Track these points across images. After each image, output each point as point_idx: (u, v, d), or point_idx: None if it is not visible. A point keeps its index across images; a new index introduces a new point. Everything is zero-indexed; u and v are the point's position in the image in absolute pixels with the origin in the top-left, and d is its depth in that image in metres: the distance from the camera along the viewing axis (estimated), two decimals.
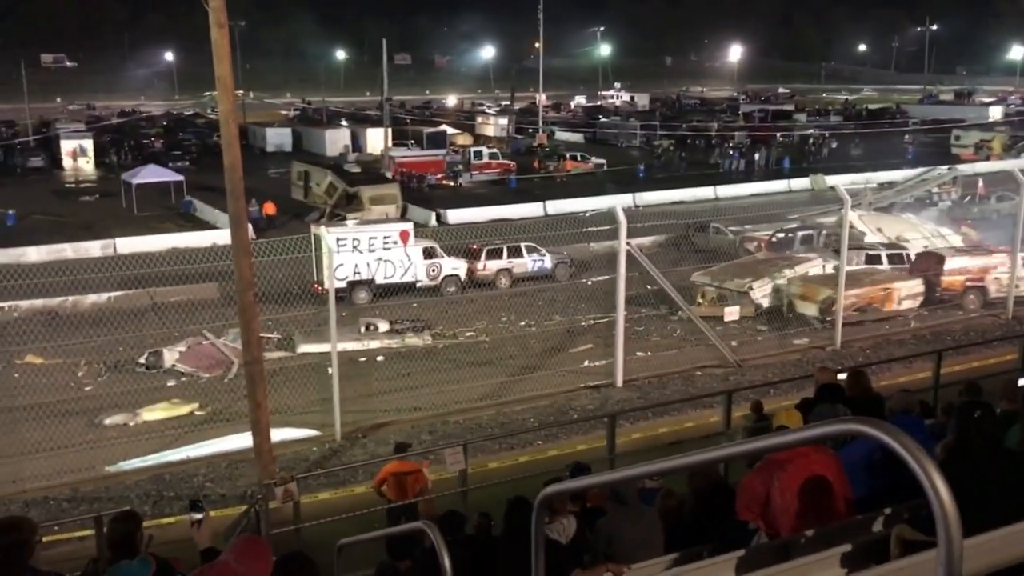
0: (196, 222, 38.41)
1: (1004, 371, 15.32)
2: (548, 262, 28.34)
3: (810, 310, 22.99)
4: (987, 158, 54.24)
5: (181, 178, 43.40)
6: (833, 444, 6.36)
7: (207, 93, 75.23)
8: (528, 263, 28.24)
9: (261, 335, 16.00)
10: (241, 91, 68.61)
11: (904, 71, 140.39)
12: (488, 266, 28.00)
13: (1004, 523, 3.82)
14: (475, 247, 28.22)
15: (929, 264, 24.60)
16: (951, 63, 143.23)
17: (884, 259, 25.45)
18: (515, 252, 28.32)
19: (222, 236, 27.26)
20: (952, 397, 10.45)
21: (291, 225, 36.26)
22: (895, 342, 21.21)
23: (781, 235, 28.90)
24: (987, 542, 3.28)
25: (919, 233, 28.07)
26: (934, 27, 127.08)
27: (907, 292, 23.60)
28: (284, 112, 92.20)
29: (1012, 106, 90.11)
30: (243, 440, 14.73)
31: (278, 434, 14.69)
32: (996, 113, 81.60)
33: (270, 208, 38.07)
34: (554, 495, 3.72)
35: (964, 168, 45.30)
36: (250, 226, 26.72)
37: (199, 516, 5.59)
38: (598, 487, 6.51)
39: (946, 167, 43.88)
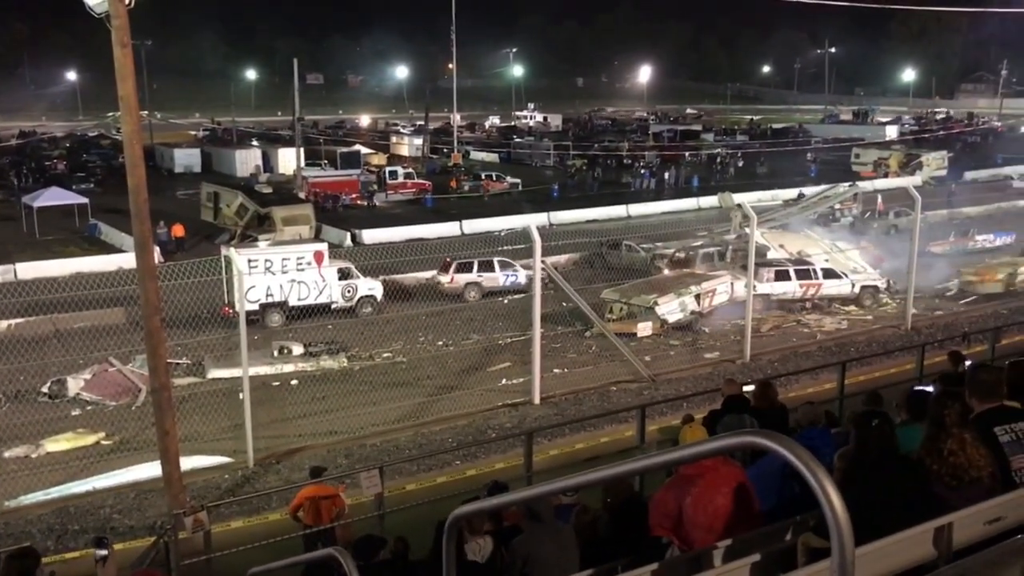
0: (101, 246, 37.29)
1: (904, 380, 15.93)
2: (522, 277, 27.78)
3: (995, 287, 26.47)
4: (885, 175, 56.39)
5: (85, 201, 42.23)
6: (745, 456, 6.53)
7: (111, 113, 73.24)
8: (499, 278, 28.31)
9: (170, 361, 15.64)
10: (146, 111, 66.95)
11: (806, 92, 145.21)
12: (456, 279, 28.05)
13: (900, 528, 3.98)
14: (448, 260, 28.53)
15: None
16: (850, 84, 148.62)
17: (792, 274, 26.25)
18: (486, 266, 28.41)
19: (128, 260, 26.48)
20: (857, 407, 10.80)
21: (201, 247, 35.47)
22: (802, 354, 21.83)
23: (681, 254, 29.53)
24: (880, 548, 3.41)
25: (819, 248, 29.01)
26: (833, 50, 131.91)
27: None
28: (193, 132, 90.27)
29: (907, 125, 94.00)
30: (152, 469, 14.33)
31: (188, 462, 14.32)
32: (892, 132, 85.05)
33: (179, 230, 37.18)
34: (465, 516, 3.73)
35: (864, 185, 47.03)
36: (157, 249, 26.24)
37: (103, 552, 5.44)
38: (511, 505, 6.53)
39: (847, 184, 45.46)
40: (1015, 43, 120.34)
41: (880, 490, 4.45)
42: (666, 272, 28.27)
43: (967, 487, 4.59)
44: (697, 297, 24.69)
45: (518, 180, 54.78)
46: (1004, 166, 61.07)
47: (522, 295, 24.57)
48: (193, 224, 38.79)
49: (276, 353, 21.99)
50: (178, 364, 20.76)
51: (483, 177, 54.80)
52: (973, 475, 4.64)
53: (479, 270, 28.40)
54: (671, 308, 24.04)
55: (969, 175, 58.16)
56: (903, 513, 4.18)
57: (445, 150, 68.51)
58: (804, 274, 26.39)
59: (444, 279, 28.20)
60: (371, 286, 27.01)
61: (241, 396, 16.27)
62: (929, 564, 3.96)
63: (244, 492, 14.73)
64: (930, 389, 7.73)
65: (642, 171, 59.00)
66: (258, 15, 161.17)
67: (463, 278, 28.22)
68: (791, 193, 47.54)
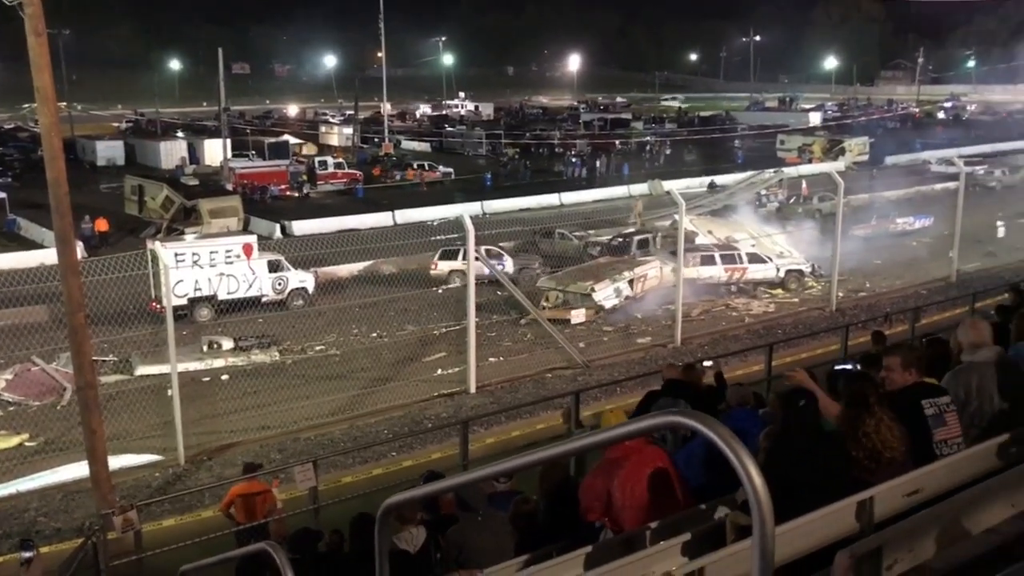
0: (21, 241, 36.26)
1: (829, 361, 16.32)
2: (509, 267, 27.24)
3: None
4: (809, 161, 57.63)
5: (3, 195, 41.11)
6: (676, 437, 6.65)
7: (27, 105, 70.90)
8: (485, 266, 27.81)
9: (95, 358, 15.27)
10: (65, 103, 64.99)
11: (732, 80, 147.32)
12: (440, 266, 27.59)
13: (826, 503, 4.10)
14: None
15: None
16: (774, 72, 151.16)
17: (717, 259, 26.69)
18: None
19: (50, 255, 25.70)
20: (783, 387, 11.03)
21: (126, 242, 34.64)
22: (731, 337, 22.24)
23: (619, 240, 29.81)
24: (805, 523, 3.51)
25: (746, 233, 29.56)
26: (758, 38, 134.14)
27: None
28: (115, 124, 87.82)
29: (829, 112, 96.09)
30: (79, 470, 14.02)
31: (117, 461, 14.05)
32: (816, 119, 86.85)
33: (102, 225, 36.26)
34: (396, 506, 3.73)
35: (789, 171, 47.99)
36: (80, 244, 25.49)
37: (29, 555, 5.33)
38: (443, 493, 6.55)
39: (772, 170, 46.35)
40: (930, 32, 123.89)
41: (805, 468, 4.57)
42: (599, 259, 28.50)
43: (884, 468, 4.73)
44: (631, 282, 24.97)
45: (451, 169, 54.60)
46: (923, 151, 62.85)
47: (457, 285, 24.48)
48: (117, 218, 37.91)
49: (205, 348, 21.60)
50: (104, 361, 20.27)
51: (415, 167, 54.41)
52: (887, 456, 4.78)
53: (464, 258, 27.92)
54: (607, 294, 24.29)
55: (889, 160, 59.70)
56: (828, 488, 4.31)
57: (376, 139, 67.88)
58: (729, 259, 26.84)
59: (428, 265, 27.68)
60: (302, 278, 26.67)
61: (170, 393, 15.95)
62: (853, 537, 4.08)
63: (175, 490, 14.47)
64: (850, 367, 7.94)
65: (573, 159, 59.31)
66: (181, 3, 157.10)
67: (447, 265, 27.57)
68: (718, 179, 48.40)
